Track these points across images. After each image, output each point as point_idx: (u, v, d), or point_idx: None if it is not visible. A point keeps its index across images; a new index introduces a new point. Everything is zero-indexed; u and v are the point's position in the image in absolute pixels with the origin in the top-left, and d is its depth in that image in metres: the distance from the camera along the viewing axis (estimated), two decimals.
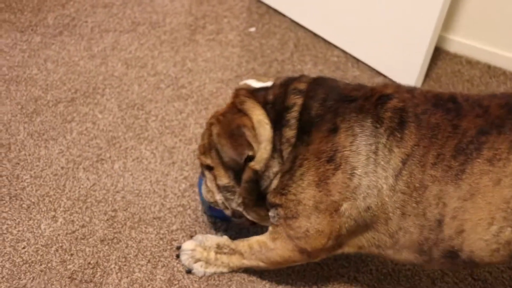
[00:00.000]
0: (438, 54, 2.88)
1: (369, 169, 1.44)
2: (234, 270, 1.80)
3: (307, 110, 1.53)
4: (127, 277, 1.78)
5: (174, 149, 2.20)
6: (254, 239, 1.72)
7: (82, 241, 1.87)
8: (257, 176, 1.59)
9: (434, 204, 1.41)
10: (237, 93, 1.67)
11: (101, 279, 1.77)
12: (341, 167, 1.46)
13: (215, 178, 1.68)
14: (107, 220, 1.94)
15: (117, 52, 2.63)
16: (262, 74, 2.60)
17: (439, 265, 1.53)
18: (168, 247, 1.87)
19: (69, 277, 1.77)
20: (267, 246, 1.67)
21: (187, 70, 2.57)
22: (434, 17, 2.45)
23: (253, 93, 1.65)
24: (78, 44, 2.66)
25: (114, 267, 1.81)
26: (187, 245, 1.80)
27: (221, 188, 1.68)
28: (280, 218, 1.60)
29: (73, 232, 1.89)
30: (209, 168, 1.70)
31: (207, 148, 1.67)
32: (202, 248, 1.79)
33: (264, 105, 1.60)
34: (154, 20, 2.84)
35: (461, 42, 2.90)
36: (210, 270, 1.78)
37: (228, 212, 1.76)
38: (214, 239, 1.80)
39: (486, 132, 1.39)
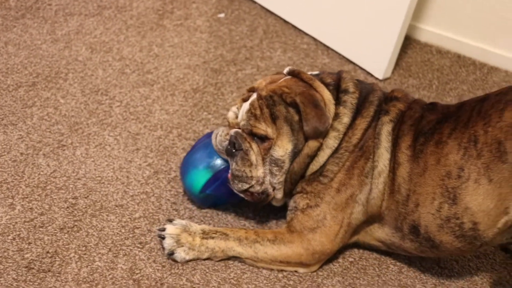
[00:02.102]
0: (409, 43, 2.86)
1: (379, 153, 1.70)
2: (213, 256, 1.76)
3: (359, 102, 1.76)
4: (87, 266, 1.73)
5: (139, 135, 2.14)
6: (268, 230, 1.78)
7: (41, 229, 1.81)
8: (315, 153, 1.72)
9: (406, 180, 1.66)
10: (294, 69, 1.81)
11: (60, 269, 1.71)
12: (365, 153, 1.70)
13: (268, 150, 1.71)
14: (67, 207, 1.88)
15: (81, 36, 2.56)
16: (231, 60, 2.55)
17: (409, 242, 1.71)
18: (130, 236, 1.82)
19: (26, 267, 1.70)
20: (283, 238, 1.73)
21: (154, 55, 2.51)
22: (405, 6, 2.43)
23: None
24: (41, 28, 2.58)
25: (74, 256, 1.75)
26: (173, 229, 1.76)
27: (270, 161, 1.72)
28: (298, 210, 1.74)
29: (32, 220, 1.83)
30: (262, 139, 1.71)
31: (268, 117, 1.70)
32: (188, 233, 1.75)
33: (325, 86, 1.77)
34: (120, 4, 2.76)
35: (432, 32, 2.89)
36: (191, 255, 1.75)
37: (250, 186, 1.75)
38: (197, 225, 1.78)
39: (440, 122, 1.66)
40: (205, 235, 1.76)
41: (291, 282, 1.75)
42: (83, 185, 1.95)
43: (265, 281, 1.74)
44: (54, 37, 2.53)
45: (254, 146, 1.73)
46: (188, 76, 2.43)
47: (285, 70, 1.83)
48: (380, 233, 1.77)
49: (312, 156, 1.73)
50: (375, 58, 2.60)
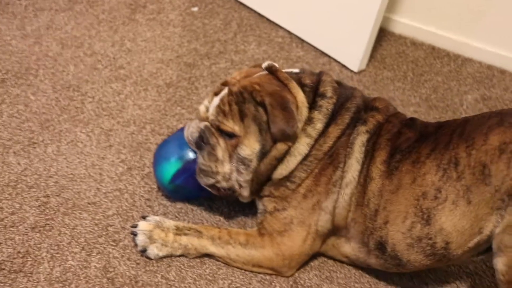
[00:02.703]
0: (383, 35, 2.86)
1: (349, 163, 1.66)
2: (187, 253, 1.74)
3: (335, 108, 1.71)
4: (59, 266, 1.69)
5: (111, 131, 2.11)
6: (241, 231, 1.75)
7: (12, 229, 1.77)
8: (283, 156, 1.68)
9: (376, 195, 1.62)
10: (272, 65, 1.74)
11: (32, 269, 1.68)
12: (334, 161, 1.67)
13: (235, 147, 1.67)
14: (39, 206, 1.84)
15: (52, 32, 2.51)
16: (205, 54, 2.52)
17: (374, 258, 1.69)
18: (104, 233, 1.79)
19: None
20: (254, 242, 1.71)
21: (126, 50, 2.48)
22: None
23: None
24: (11, 23, 2.53)
25: (46, 256, 1.72)
26: (145, 226, 1.73)
27: (237, 159, 1.68)
28: (266, 212, 1.71)
29: (2, 219, 1.79)
30: (230, 136, 1.67)
31: (237, 114, 1.66)
32: (160, 229, 1.73)
33: (302, 87, 1.72)
34: None
35: (406, 24, 2.89)
36: (164, 252, 1.73)
37: (217, 181, 1.72)
38: (171, 221, 1.76)
39: (419, 141, 1.64)
40: (178, 231, 1.73)
41: (268, 277, 1.73)
42: (55, 183, 1.91)
43: (241, 276, 1.73)
44: (24, 33, 2.48)
45: (222, 142, 1.69)
46: (161, 71, 2.40)
47: (264, 65, 1.77)
48: (346, 248, 1.74)
49: (280, 159, 1.68)
50: (350, 51, 2.60)
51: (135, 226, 1.74)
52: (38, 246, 1.73)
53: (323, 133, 1.68)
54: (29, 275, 1.66)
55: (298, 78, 1.73)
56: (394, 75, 2.64)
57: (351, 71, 2.61)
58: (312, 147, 1.67)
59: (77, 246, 1.75)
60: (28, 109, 2.14)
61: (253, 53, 2.59)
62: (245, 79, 1.73)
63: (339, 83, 1.79)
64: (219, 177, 1.71)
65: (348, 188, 1.66)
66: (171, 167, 1.79)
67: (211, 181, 1.72)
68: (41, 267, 1.68)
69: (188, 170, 1.78)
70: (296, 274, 1.76)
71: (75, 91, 2.24)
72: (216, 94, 1.74)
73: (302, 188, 1.68)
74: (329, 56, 2.66)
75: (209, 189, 1.76)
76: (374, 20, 2.48)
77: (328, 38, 2.65)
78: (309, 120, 1.68)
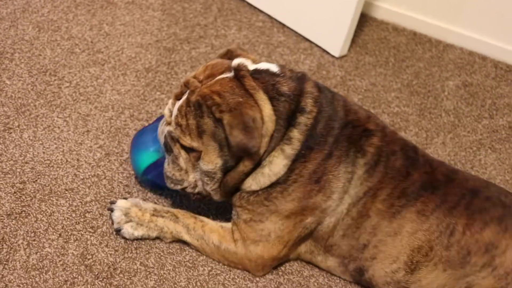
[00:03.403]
0: (365, 20, 2.85)
1: (341, 195, 1.60)
2: (163, 236, 1.72)
3: (316, 123, 1.58)
4: (36, 253, 1.66)
5: (89, 116, 2.07)
6: (215, 228, 1.69)
7: None
8: (252, 171, 1.59)
9: (368, 231, 1.61)
10: (240, 69, 1.56)
11: (7, 256, 1.65)
12: (324, 189, 1.59)
13: (197, 159, 1.60)
14: (15, 192, 1.80)
15: (28, 15, 2.45)
16: (184, 39, 2.49)
17: (349, 276, 1.72)
18: (81, 220, 1.76)
19: None
20: (228, 246, 1.67)
21: (104, 34, 2.43)
22: None
23: (256, 76, 1.57)
24: None
25: (22, 243, 1.68)
26: (123, 203, 1.71)
27: (201, 171, 1.61)
28: (240, 220, 1.65)
29: None
30: (190, 150, 1.59)
31: (195, 130, 1.55)
32: (138, 208, 1.70)
33: (276, 96, 1.56)
34: None
35: (388, 9, 2.88)
36: (139, 232, 1.70)
37: (184, 188, 1.67)
38: (151, 203, 1.74)
39: (426, 188, 1.60)
40: (156, 212, 1.71)
41: None
42: (31, 169, 1.87)
43: (221, 263, 1.71)
44: None
45: (183, 153, 1.61)
46: (140, 55, 2.36)
47: (233, 64, 1.59)
48: (323, 263, 1.73)
49: (248, 173, 1.59)
50: (331, 36, 2.58)
51: (113, 202, 1.72)
52: (14, 233, 1.70)
53: (303, 155, 1.57)
54: (4, 262, 1.63)
55: (273, 84, 1.57)
56: (376, 61, 2.63)
57: (333, 56, 2.59)
58: (292, 171, 1.57)
59: (54, 233, 1.72)
60: (3, 94, 2.10)
61: (234, 38, 2.56)
62: (207, 83, 1.57)
63: (320, 89, 1.65)
64: (185, 184, 1.67)
65: (334, 218, 1.62)
66: (144, 160, 1.76)
67: (178, 187, 1.68)
68: (17, 254, 1.65)
69: (161, 165, 1.71)
70: None
71: (51, 76, 2.20)
72: (177, 97, 1.63)
73: (282, 209, 1.60)
74: (310, 41, 2.64)
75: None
76: (355, 5, 2.46)
77: (309, 23, 2.63)
78: (288, 140, 1.57)
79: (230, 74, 1.57)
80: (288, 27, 2.68)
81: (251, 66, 1.60)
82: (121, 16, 2.53)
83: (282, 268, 1.74)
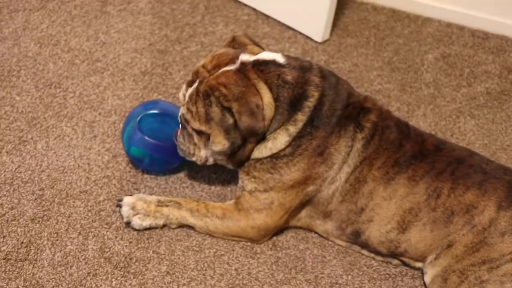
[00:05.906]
0: (345, 3, 2.98)
1: (340, 165, 1.82)
2: (169, 223, 1.91)
3: (320, 106, 1.80)
4: (60, 251, 1.87)
5: (94, 123, 2.26)
6: (217, 204, 1.91)
7: (13, 222, 1.93)
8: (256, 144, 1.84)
9: (366, 196, 1.82)
10: (245, 65, 1.78)
11: (36, 256, 1.85)
12: (326, 161, 1.81)
13: (206, 140, 1.83)
14: (35, 199, 2.00)
15: (28, 32, 2.63)
16: (175, 39, 2.65)
17: (345, 239, 1.92)
18: (97, 218, 1.96)
19: (4, 258, 1.84)
20: (231, 216, 1.87)
21: (101, 43, 2.61)
22: None
23: (262, 68, 1.78)
24: None
25: (47, 243, 1.89)
26: (128, 199, 1.92)
27: (212, 151, 1.85)
28: (245, 191, 1.87)
29: (3, 215, 1.95)
30: (200, 132, 1.82)
31: (203, 117, 1.77)
32: (143, 202, 1.91)
33: (281, 84, 1.78)
34: None
35: None
36: (147, 222, 1.90)
37: (192, 160, 1.92)
38: (154, 196, 1.94)
39: (416, 157, 1.82)
40: (160, 203, 1.91)
41: (249, 243, 1.91)
42: (48, 176, 2.07)
43: (225, 245, 1.91)
44: (2, 36, 2.60)
45: (195, 133, 1.85)
46: (136, 60, 2.54)
47: (240, 57, 1.78)
48: (321, 227, 1.93)
49: (254, 148, 1.84)
50: (313, 22, 2.71)
51: (120, 200, 1.93)
52: (39, 235, 1.90)
53: (310, 133, 1.79)
54: (34, 262, 1.83)
55: (278, 74, 1.78)
56: (357, 42, 2.78)
57: (316, 41, 2.74)
58: (298, 146, 1.80)
59: (74, 232, 1.92)
60: (15, 110, 2.28)
61: (222, 34, 2.72)
62: (214, 74, 1.77)
63: (324, 76, 1.85)
64: (195, 158, 1.90)
65: (333, 185, 1.84)
66: (125, 132, 2.00)
67: (188, 158, 1.92)
68: (44, 254, 1.86)
69: (140, 130, 1.95)
70: (274, 238, 1.94)
71: (56, 88, 2.38)
72: (189, 85, 1.84)
73: (287, 179, 1.81)
74: (294, 30, 2.79)
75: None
76: None
77: (291, 11, 2.76)
78: (294, 121, 1.79)
79: (235, 66, 1.78)
80: (272, 18, 2.83)
81: (257, 57, 1.80)
82: (114, 24, 2.70)
83: (280, 244, 1.93)
